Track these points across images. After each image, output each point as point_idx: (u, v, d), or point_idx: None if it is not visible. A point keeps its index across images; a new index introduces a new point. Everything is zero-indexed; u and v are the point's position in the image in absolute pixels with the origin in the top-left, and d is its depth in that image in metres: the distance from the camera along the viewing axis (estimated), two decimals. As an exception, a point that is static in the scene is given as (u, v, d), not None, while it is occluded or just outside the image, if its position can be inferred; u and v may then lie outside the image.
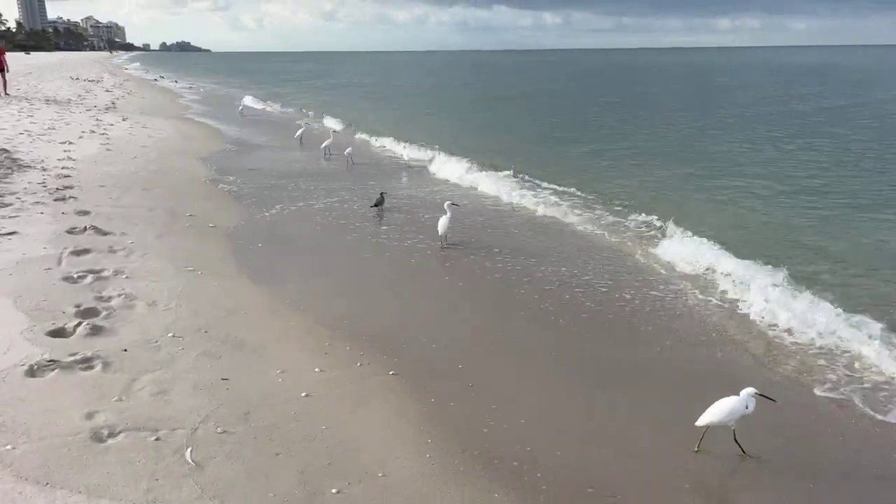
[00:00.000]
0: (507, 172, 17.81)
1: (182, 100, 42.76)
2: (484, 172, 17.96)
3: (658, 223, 12.75)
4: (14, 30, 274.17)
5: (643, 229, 12.68)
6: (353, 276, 10.01)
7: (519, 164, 18.70)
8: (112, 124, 24.75)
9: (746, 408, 5.32)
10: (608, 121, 32.43)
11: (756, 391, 5.37)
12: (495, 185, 16.55)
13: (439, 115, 36.71)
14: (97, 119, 25.95)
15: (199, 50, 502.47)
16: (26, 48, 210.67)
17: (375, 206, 13.67)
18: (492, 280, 9.99)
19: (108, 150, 19.29)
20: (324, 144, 22.76)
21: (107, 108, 31.08)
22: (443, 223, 11.64)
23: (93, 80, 53.74)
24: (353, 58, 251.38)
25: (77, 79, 54.35)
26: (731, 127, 29.25)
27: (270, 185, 16.51)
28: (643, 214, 13.37)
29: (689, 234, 11.46)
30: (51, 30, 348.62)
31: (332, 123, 21.28)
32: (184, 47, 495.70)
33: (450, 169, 18.74)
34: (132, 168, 16.99)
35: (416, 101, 46.21)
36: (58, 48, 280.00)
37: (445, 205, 11.86)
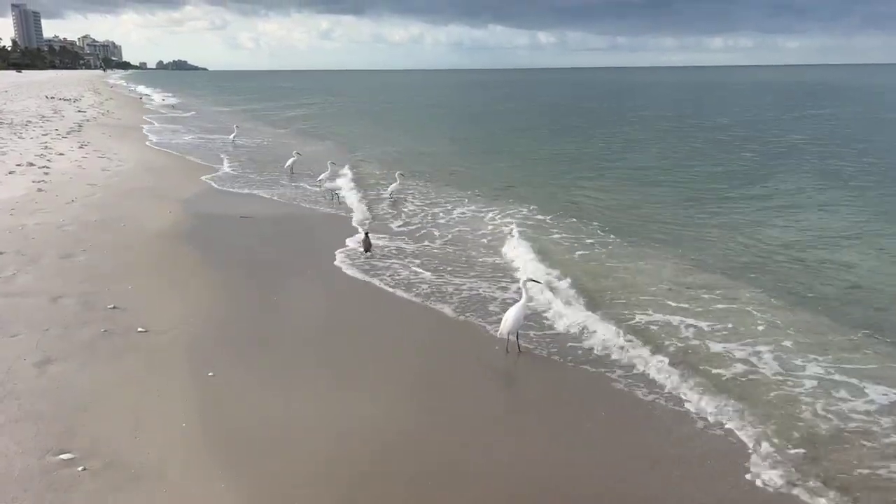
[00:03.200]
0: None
1: (164, 122, 38.43)
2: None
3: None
4: (9, 48, 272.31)
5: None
6: (372, 449, 5.56)
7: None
8: (62, 153, 20.37)
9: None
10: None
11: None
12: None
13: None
14: (46, 146, 21.59)
15: (195, 68, 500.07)
16: (19, 66, 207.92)
17: (367, 251, 11.30)
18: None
19: (39, 190, 14.90)
20: (320, 177, 18.46)
21: (69, 132, 26.75)
22: (514, 317, 7.41)
23: (69, 99, 49.49)
24: (349, 77, 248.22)
25: (52, 97, 50.14)
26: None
27: (250, 241, 12.17)
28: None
29: None
30: (46, 48, 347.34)
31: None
32: (180, 66, 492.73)
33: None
34: (61, 218, 12.59)
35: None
36: (53, 66, 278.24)
37: (521, 281, 7.62)
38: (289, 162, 21.06)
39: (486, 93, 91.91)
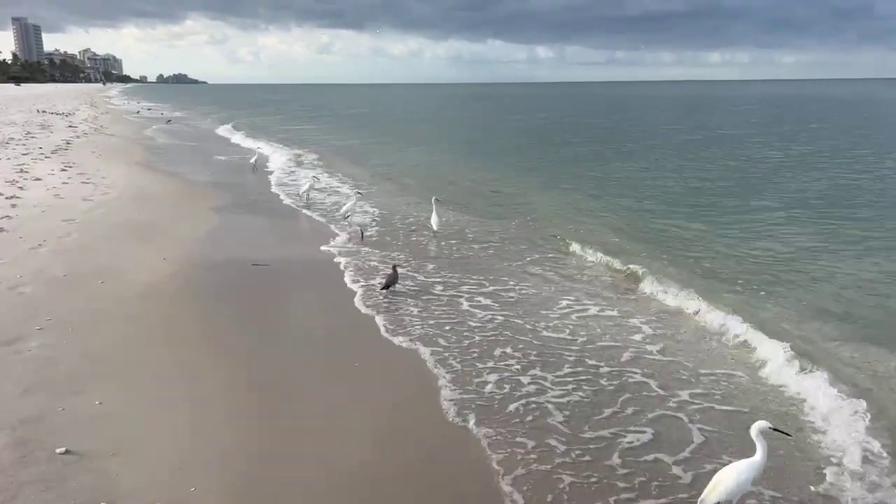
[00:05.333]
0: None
1: (162, 138, 35.45)
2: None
3: None
4: (9, 62, 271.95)
5: None
6: None
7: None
8: (39, 178, 17.31)
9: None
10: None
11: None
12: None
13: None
14: (23, 169, 18.55)
15: (195, 82, 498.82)
16: (19, 80, 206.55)
17: (386, 287, 9.70)
18: None
19: (0, 230, 11.83)
20: (343, 208, 15.40)
21: (53, 151, 23.74)
22: (740, 480, 4.63)
23: (62, 114, 46.57)
24: (349, 90, 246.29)
25: (44, 111, 47.21)
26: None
27: (265, 302, 9.07)
28: None
29: None
30: (46, 62, 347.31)
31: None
32: (180, 79, 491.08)
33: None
34: (18, 273, 9.49)
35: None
36: (53, 80, 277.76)
37: (756, 429, 4.59)
38: (304, 187, 18.03)
39: (483, 105, 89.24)
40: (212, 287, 9.82)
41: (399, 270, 10.13)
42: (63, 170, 19.13)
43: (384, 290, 9.70)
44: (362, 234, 13.68)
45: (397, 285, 9.86)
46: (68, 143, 26.80)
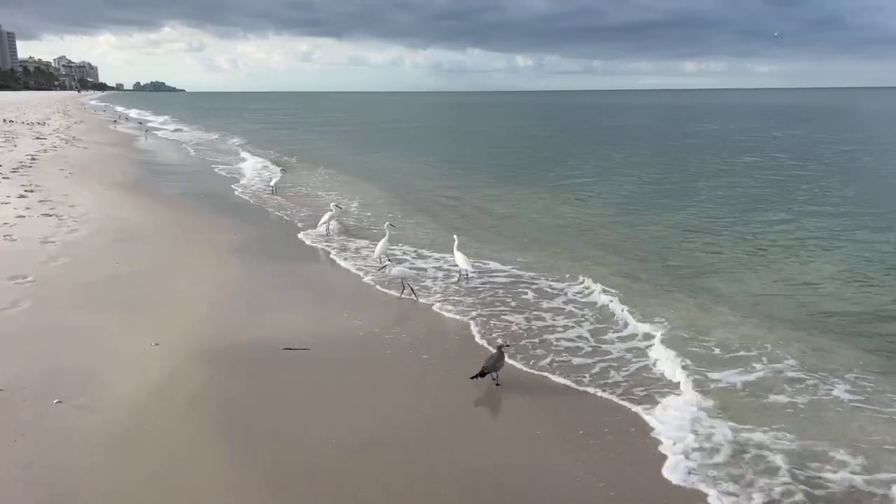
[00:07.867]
0: None
1: (146, 151, 31.62)
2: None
3: None
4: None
5: None
6: None
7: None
8: (-12, 210, 13.64)
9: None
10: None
11: None
12: None
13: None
14: (-31, 197, 14.83)
15: (173, 90, 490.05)
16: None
17: (481, 375, 6.70)
18: None
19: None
20: (378, 250, 11.95)
21: (14, 170, 19.92)
22: None
23: (31, 123, 42.34)
24: (334, 98, 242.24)
25: (12, 121, 42.97)
26: None
27: (315, 426, 5.58)
28: None
29: None
30: (20, 69, 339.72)
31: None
32: (158, 87, 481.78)
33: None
34: (-79, 393, 5.90)
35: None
36: (27, 87, 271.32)
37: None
38: (325, 218, 14.54)
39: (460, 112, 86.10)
40: (231, 402, 6.30)
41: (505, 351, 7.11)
42: (22, 196, 15.41)
43: (476, 378, 6.73)
44: (413, 290, 10.24)
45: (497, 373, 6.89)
46: (33, 160, 22.96)
